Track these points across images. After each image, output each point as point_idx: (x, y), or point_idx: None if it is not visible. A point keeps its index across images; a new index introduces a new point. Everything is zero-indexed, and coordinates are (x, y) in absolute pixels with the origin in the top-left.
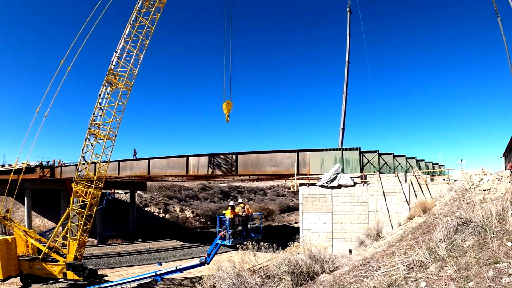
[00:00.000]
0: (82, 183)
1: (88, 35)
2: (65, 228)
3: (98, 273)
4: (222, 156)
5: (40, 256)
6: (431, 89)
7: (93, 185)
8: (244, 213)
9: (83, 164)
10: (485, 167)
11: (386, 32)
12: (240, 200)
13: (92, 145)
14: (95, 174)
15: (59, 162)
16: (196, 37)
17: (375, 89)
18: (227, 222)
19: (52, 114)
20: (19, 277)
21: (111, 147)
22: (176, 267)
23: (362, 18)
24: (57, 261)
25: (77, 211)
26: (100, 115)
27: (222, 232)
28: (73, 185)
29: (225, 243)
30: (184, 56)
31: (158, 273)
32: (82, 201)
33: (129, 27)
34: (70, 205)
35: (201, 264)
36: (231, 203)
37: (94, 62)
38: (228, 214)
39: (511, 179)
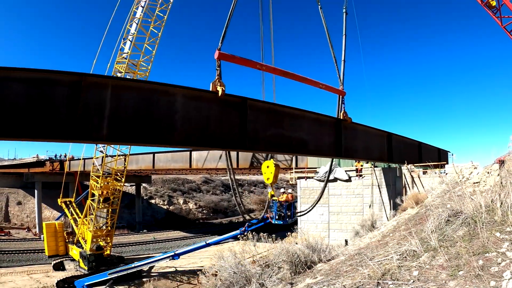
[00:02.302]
0: (93, 178)
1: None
2: (79, 220)
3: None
4: (223, 151)
5: (75, 240)
6: (424, 86)
7: (100, 179)
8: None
9: (97, 158)
10: (475, 161)
11: (379, 32)
12: (282, 190)
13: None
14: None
15: (65, 156)
16: (200, 31)
17: (371, 86)
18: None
19: None
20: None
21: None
22: (206, 241)
23: (357, 17)
24: (83, 247)
25: (94, 205)
26: None
27: (268, 214)
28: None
29: (280, 222)
30: (187, 54)
31: (180, 251)
32: (106, 195)
33: None
34: (88, 199)
35: (241, 233)
36: (282, 190)
37: None
38: (280, 198)
39: (499, 172)
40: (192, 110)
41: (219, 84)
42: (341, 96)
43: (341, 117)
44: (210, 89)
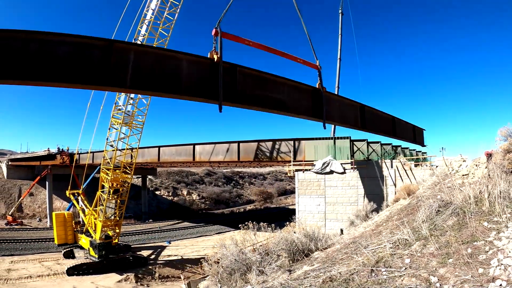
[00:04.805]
0: (103, 170)
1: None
2: (86, 211)
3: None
4: (224, 144)
5: (84, 230)
6: (416, 85)
7: (111, 173)
8: None
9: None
10: (464, 154)
11: (374, 32)
12: None
13: (123, 134)
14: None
15: (68, 149)
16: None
17: (364, 83)
18: None
19: (65, 105)
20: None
21: (139, 134)
22: None
23: (352, 18)
24: (92, 236)
25: (104, 196)
26: (121, 106)
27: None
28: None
29: None
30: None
31: None
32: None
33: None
34: (98, 191)
35: None
36: None
37: None
38: None
39: (487, 165)
40: (194, 71)
41: (215, 53)
42: (318, 71)
43: (317, 87)
44: (208, 57)
